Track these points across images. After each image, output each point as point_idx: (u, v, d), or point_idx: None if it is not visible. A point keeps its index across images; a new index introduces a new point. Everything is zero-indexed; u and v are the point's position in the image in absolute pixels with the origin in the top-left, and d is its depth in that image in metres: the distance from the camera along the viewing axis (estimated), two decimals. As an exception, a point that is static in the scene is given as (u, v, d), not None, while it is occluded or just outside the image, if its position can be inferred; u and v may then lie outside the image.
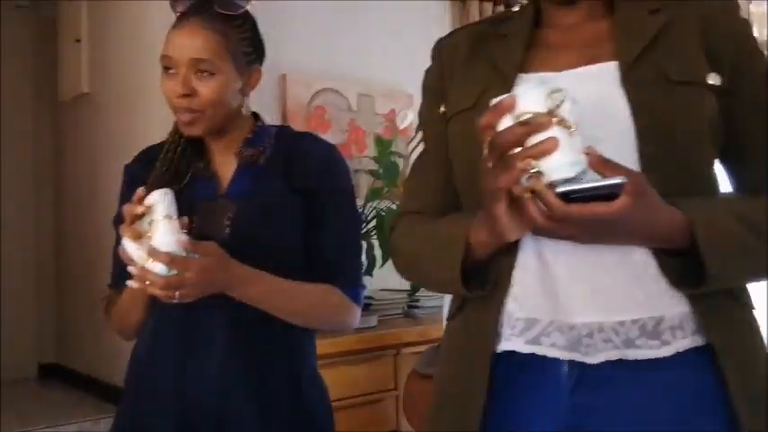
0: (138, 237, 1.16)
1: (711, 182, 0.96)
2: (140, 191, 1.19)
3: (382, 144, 2.79)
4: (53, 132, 3.64)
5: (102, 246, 1.46)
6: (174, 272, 1.15)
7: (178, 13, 1.35)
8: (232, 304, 1.28)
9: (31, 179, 3.62)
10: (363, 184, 3.00)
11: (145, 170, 1.40)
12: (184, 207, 1.22)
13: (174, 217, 1.17)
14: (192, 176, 1.39)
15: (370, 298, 2.63)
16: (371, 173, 2.80)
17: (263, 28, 1.44)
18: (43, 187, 3.63)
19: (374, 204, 2.70)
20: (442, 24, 3.63)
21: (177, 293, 1.18)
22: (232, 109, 1.36)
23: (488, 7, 3.67)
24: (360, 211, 2.71)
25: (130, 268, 1.17)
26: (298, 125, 3.08)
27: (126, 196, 1.41)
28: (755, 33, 3.10)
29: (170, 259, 1.15)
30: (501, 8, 3.67)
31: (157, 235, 1.15)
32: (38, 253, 3.61)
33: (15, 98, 3.51)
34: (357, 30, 3.45)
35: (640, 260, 0.89)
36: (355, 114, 3.30)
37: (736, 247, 0.87)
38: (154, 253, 1.14)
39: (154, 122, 2.77)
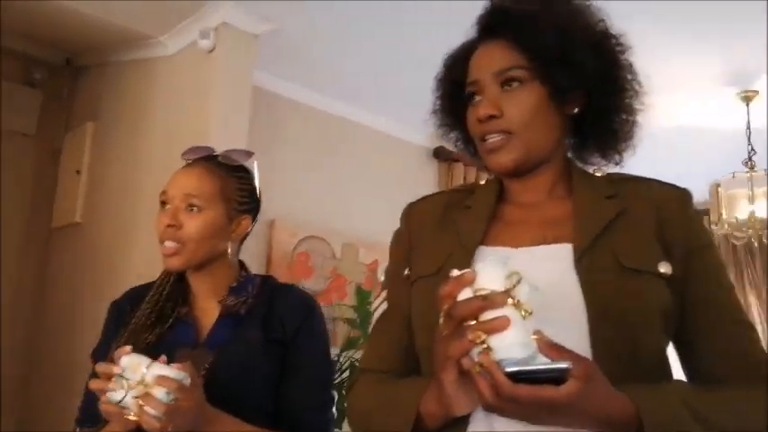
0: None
1: (662, 367, 0.97)
2: (120, 352, 1.19)
3: (362, 294, 2.83)
4: (41, 257, 3.67)
5: (75, 377, 1.45)
6: (173, 398, 1.16)
7: (187, 162, 1.44)
8: None
9: (9, 300, 3.59)
10: (341, 332, 3.01)
11: (131, 308, 1.43)
12: (164, 351, 1.23)
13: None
14: (174, 320, 1.41)
15: (337, 451, 2.56)
16: (349, 321, 2.82)
17: (256, 176, 1.51)
18: (21, 310, 3.60)
19: (350, 354, 2.70)
20: (427, 182, 3.80)
21: (170, 427, 1.16)
22: (215, 249, 1.40)
23: (472, 171, 3.84)
24: (335, 360, 2.70)
25: (128, 400, 1.16)
26: (281, 270, 3.14)
27: (110, 332, 1.45)
28: (724, 215, 3.19)
29: (177, 385, 1.16)
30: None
31: (158, 367, 1.17)
32: (5, 376, 3.51)
33: (9, 222, 3.57)
34: (346, 182, 3.60)
35: None
36: (338, 262, 3.37)
37: None
38: (160, 380, 1.15)
39: (139, 259, 2.82)
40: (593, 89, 1.03)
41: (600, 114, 1.06)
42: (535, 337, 0.79)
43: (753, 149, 3.58)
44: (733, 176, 3.55)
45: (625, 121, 1.07)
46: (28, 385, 3.50)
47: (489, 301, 0.78)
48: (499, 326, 0.77)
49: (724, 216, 3.51)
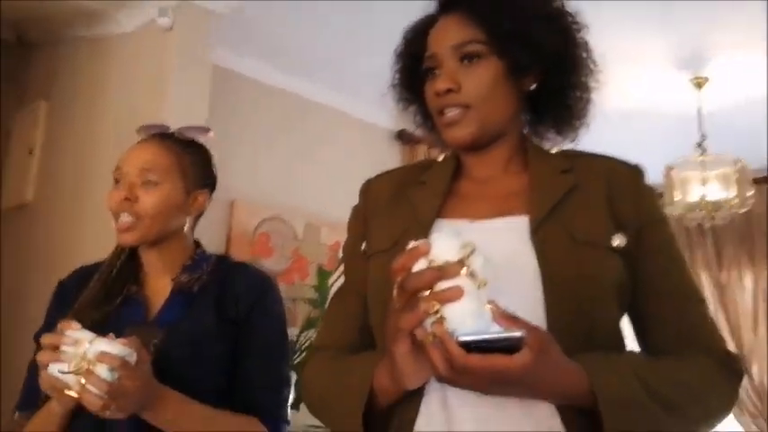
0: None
1: (616, 338, 0.99)
2: (64, 325, 1.14)
3: (322, 274, 2.83)
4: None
5: (22, 360, 1.41)
6: (117, 376, 1.10)
7: (141, 138, 1.42)
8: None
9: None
10: (301, 312, 3.01)
11: (78, 288, 1.39)
12: (111, 330, 1.18)
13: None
14: (123, 299, 1.37)
15: (295, 433, 2.56)
16: (310, 302, 2.82)
17: (216, 154, 1.50)
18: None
19: (309, 334, 2.70)
20: (390, 163, 3.78)
21: (113, 406, 1.12)
22: (171, 224, 1.38)
23: (435, 152, 3.85)
24: (293, 340, 2.70)
25: (69, 377, 1.10)
26: (241, 250, 3.12)
27: (54, 313, 1.40)
28: (677, 197, 3.27)
29: (120, 362, 1.10)
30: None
31: (102, 343, 1.11)
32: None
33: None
34: (308, 162, 3.58)
35: (545, 414, 0.90)
36: (300, 243, 3.36)
37: (636, 411, 0.87)
38: (103, 356, 1.09)
39: (91, 239, 2.77)
40: (549, 66, 1.05)
41: (555, 91, 1.08)
42: (489, 306, 0.79)
43: (704, 135, 3.65)
44: (685, 160, 3.62)
45: (579, 98, 1.09)
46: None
47: (443, 271, 0.78)
48: (453, 295, 0.77)
49: (677, 198, 3.59)
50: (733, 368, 1.00)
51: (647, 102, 3.90)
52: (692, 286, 1.05)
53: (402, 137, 4.03)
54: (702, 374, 0.96)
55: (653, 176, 4.37)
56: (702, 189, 3.58)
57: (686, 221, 3.79)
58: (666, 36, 3.23)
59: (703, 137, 3.65)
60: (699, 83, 3.65)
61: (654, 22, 3.09)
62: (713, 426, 0.99)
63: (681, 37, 3.24)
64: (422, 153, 3.86)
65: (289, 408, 1.44)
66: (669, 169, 3.62)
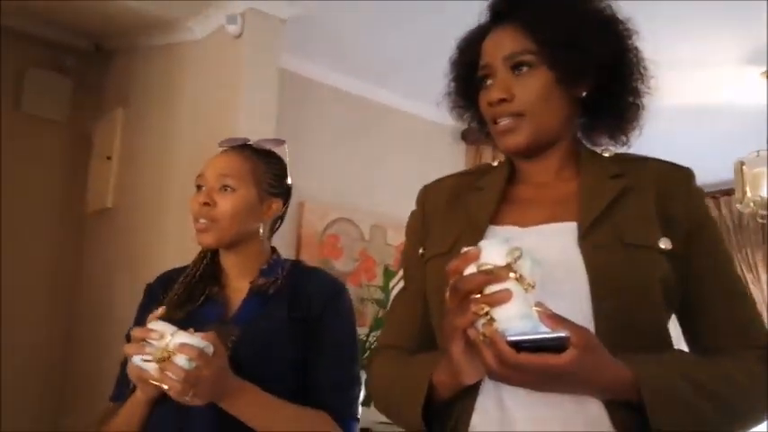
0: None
1: (663, 338, 1.01)
2: (155, 315, 1.25)
3: (388, 274, 2.86)
4: (75, 242, 3.75)
5: (112, 357, 1.51)
6: (194, 365, 1.19)
7: (222, 149, 1.52)
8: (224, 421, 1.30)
9: (48, 286, 3.68)
10: (369, 312, 3.04)
11: (164, 289, 1.49)
12: (193, 327, 1.27)
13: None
14: (205, 299, 1.47)
15: (366, 430, 2.60)
16: (377, 302, 2.85)
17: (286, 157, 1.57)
18: (59, 295, 3.69)
19: (377, 334, 2.73)
20: (455, 164, 3.80)
21: (191, 393, 1.20)
22: (246, 228, 1.46)
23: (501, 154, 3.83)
24: (363, 339, 2.73)
25: (150, 365, 1.21)
26: (311, 251, 3.18)
27: (142, 314, 1.49)
28: (749, 194, 3.16)
29: (197, 353, 1.19)
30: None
31: (183, 336, 1.21)
32: (47, 359, 3.60)
33: (44, 207, 3.64)
34: (374, 164, 3.61)
35: (596, 412, 0.92)
36: (367, 244, 3.40)
37: (682, 406, 0.90)
38: (182, 347, 1.19)
39: (170, 242, 2.87)
40: (600, 73, 1.07)
41: (607, 97, 1.09)
42: (536, 308, 0.83)
43: (777, 128, 3.52)
44: (757, 155, 3.50)
45: (631, 103, 1.10)
46: (67, 368, 3.59)
47: (492, 275, 0.83)
48: (501, 298, 0.82)
49: (749, 194, 3.46)
50: None
51: (717, 98, 3.81)
52: (740, 285, 1.06)
53: (467, 137, 4.01)
54: (751, 371, 0.97)
55: (725, 173, 4.22)
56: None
57: (759, 218, 3.65)
58: (733, 31, 3.14)
59: (776, 131, 3.52)
60: (770, 76, 3.51)
61: (719, 18, 3.01)
62: (761, 422, 1.00)
63: (748, 30, 3.14)
64: (488, 154, 3.84)
65: (359, 405, 1.49)
66: (740, 164, 3.51)
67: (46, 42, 3.55)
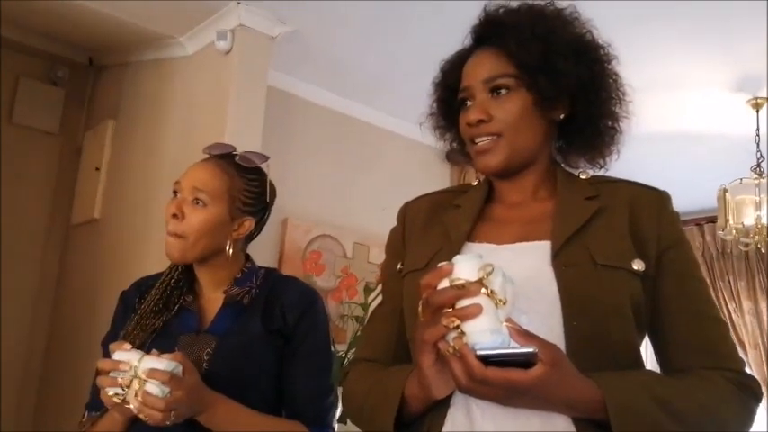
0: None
1: (634, 358, 1.02)
2: (118, 346, 1.26)
3: (369, 292, 2.88)
4: (61, 252, 3.76)
5: (92, 365, 1.53)
6: (168, 391, 1.21)
7: (206, 155, 1.51)
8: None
9: (31, 295, 3.68)
10: (350, 329, 3.07)
11: (139, 297, 1.50)
12: (167, 337, 1.30)
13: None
14: (179, 308, 1.47)
15: (343, 447, 2.60)
16: (357, 319, 2.88)
17: (270, 173, 1.57)
18: (41, 304, 3.69)
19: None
20: (441, 185, 3.80)
21: (173, 414, 1.23)
22: (214, 245, 1.45)
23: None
24: (342, 356, 2.76)
25: (128, 394, 1.22)
26: (294, 267, 3.20)
27: (118, 321, 1.52)
28: (731, 221, 3.18)
29: (168, 376, 1.21)
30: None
31: (150, 361, 1.23)
32: (27, 370, 3.60)
33: (32, 219, 3.66)
34: (359, 182, 3.64)
35: (563, 427, 0.94)
36: (350, 261, 3.42)
37: (647, 423, 0.91)
38: (152, 373, 1.20)
39: (154, 255, 2.89)
40: (577, 97, 1.09)
41: (584, 120, 1.12)
42: (506, 324, 0.84)
43: (762, 156, 3.59)
44: (740, 182, 3.56)
45: (609, 127, 1.13)
46: (49, 376, 3.59)
47: (464, 289, 0.84)
48: (472, 312, 0.83)
49: (731, 222, 3.51)
50: (750, 389, 1.02)
51: (703, 124, 3.85)
52: (710, 307, 1.07)
53: (451, 157, 4.06)
54: (716, 392, 0.99)
55: (710, 200, 4.20)
56: (757, 212, 3.49)
57: (741, 246, 3.70)
58: (723, 57, 3.20)
59: (761, 159, 3.58)
60: (758, 104, 3.57)
61: (709, 44, 3.07)
62: None
63: (737, 58, 3.20)
64: (471, 175, 3.89)
65: (335, 417, 1.51)
66: (723, 191, 3.56)
67: (40, 54, 3.58)
